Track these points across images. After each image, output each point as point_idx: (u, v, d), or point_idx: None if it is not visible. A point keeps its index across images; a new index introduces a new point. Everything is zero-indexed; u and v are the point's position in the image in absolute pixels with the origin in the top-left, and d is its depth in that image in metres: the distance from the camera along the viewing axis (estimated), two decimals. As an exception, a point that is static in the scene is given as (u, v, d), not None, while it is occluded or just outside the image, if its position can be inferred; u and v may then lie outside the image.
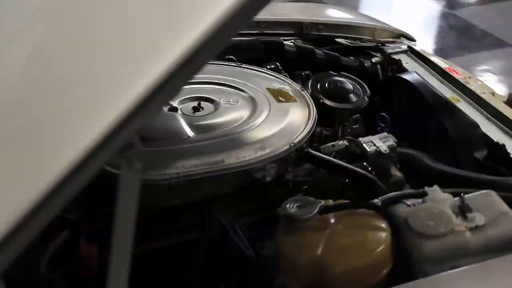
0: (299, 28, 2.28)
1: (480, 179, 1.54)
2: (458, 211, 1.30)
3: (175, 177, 1.38)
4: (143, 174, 1.28)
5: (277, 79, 1.86)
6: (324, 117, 1.76)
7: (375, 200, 1.35)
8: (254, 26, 2.27)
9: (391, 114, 1.91)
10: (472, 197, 1.35)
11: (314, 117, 1.64)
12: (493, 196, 1.36)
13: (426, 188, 1.37)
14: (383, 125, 1.87)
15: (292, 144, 1.50)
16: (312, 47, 2.14)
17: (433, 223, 1.27)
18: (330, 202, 1.36)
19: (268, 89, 1.75)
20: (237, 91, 1.75)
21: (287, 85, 1.81)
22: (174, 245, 1.44)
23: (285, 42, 2.12)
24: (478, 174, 1.59)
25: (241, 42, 2.09)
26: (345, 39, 2.28)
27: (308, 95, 1.76)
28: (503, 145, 1.66)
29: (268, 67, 1.96)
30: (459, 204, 1.31)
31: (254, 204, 1.52)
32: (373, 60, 2.13)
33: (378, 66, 2.12)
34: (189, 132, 1.56)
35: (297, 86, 1.80)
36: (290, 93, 1.76)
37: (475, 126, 1.73)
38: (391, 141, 1.61)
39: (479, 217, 1.28)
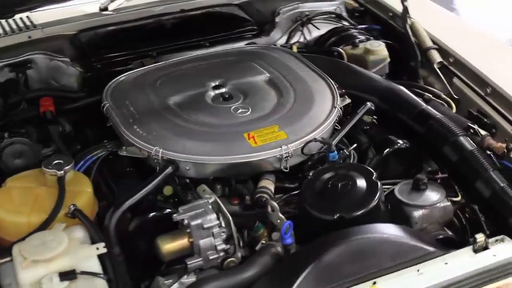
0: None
1: None
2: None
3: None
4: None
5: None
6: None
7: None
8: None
9: None
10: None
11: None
12: None
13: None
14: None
15: (157, 150, 1.75)
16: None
17: (34, 244, 1.39)
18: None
19: (278, 126, 1.84)
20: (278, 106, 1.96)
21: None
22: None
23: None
24: None
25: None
26: None
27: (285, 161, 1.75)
28: None
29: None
30: None
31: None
32: None
33: None
34: (171, 100, 2.01)
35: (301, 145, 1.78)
36: (276, 140, 1.77)
37: None
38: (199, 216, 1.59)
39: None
